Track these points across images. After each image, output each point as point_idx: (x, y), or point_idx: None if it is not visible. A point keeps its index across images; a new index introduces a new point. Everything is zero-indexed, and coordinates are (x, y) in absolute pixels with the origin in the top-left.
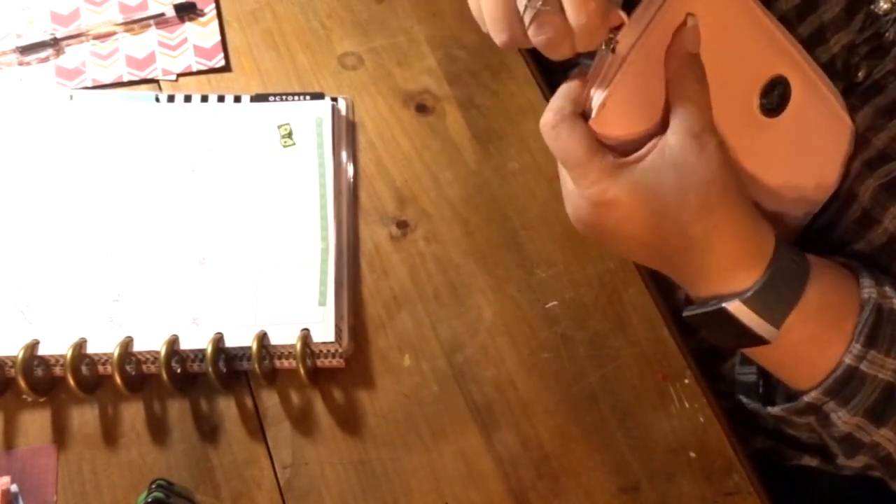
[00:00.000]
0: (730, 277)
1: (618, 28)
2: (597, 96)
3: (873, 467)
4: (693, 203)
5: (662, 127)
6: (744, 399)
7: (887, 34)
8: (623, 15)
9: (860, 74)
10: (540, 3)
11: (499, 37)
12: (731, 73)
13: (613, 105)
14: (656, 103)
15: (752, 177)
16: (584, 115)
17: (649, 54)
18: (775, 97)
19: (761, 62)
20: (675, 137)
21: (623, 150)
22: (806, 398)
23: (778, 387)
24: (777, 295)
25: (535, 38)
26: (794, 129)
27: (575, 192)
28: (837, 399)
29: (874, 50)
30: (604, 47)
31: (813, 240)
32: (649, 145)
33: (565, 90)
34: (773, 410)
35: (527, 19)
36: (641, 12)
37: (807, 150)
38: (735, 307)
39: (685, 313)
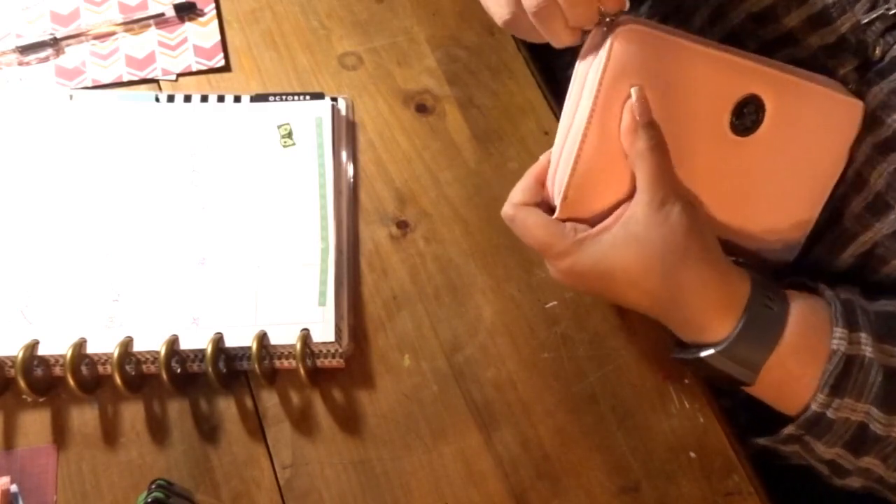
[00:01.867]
0: (706, 328)
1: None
2: (557, 189)
3: (873, 488)
4: (657, 271)
5: (631, 194)
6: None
7: None
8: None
9: (877, 52)
10: None
11: (500, 14)
12: (694, 112)
13: (574, 194)
14: (621, 177)
15: (748, 193)
16: (550, 205)
17: (603, 135)
18: (748, 116)
19: (720, 90)
20: (639, 209)
21: (596, 221)
22: (785, 431)
23: None
24: (750, 343)
25: (529, 9)
26: (784, 132)
27: (550, 266)
28: (811, 434)
29: (890, 28)
30: (599, 26)
31: (818, 231)
32: (616, 214)
33: (521, 183)
34: (760, 441)
35: None
36: (586, 98)
37: (807, 145)
38: (711, 357)
39: (672, 356)
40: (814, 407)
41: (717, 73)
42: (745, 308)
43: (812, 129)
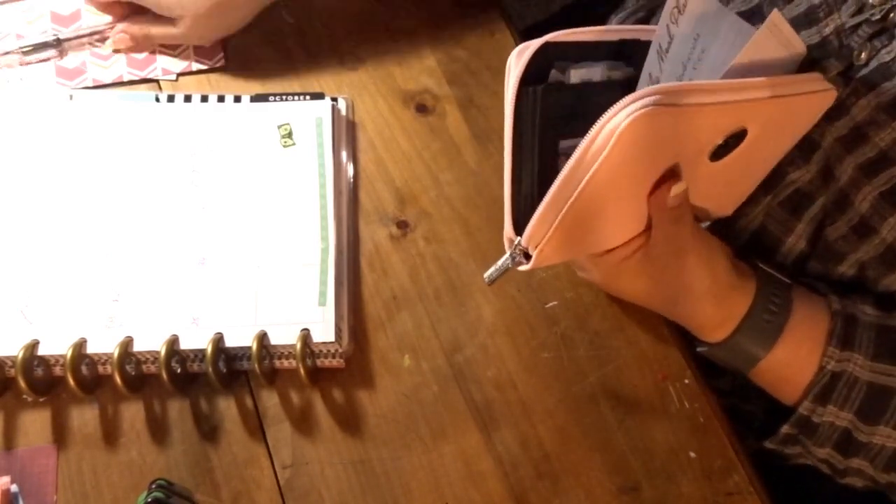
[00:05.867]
0: (705, 332)
1: None
2: (527, 240)
3: (874, 488)
4: (657, 301)
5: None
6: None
7: (892, 15)
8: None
9: (863, 56)
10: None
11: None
12: (684, 153)
13: (549, 248)
14: (603, 225)
15: (704, 194)
16: (526, 254)
17: (589, 204)
18: (730, 146)
19: (715, 131)
20: (656, 249)
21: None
22: (782, 430)
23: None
24: (739, 351)
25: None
26: (756, 148)
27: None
28: (804, 434)
29: (877, 33)
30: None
31: (806, 245)
32: (633, 246)
33: None
34: (767, 444)
35: None
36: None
37: (775, 146)
38: (705, 351)
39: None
40: (800, 410)
41: (716, 120)
42: (741, 320)
43: (784, 132)
